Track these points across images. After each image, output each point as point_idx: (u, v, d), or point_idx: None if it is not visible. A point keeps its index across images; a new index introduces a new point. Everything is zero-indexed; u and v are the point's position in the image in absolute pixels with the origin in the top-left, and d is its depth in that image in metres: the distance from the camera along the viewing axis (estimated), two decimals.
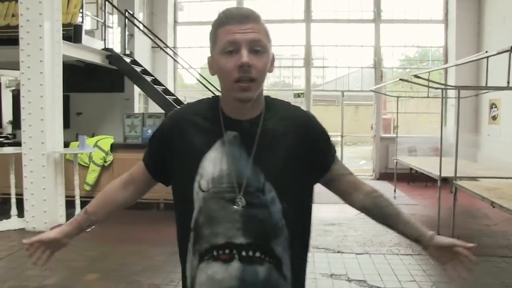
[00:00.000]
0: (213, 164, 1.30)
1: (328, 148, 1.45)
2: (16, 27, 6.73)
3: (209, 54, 1.33)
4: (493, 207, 4.43)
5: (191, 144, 1.34)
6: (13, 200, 6.17)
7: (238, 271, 1.27)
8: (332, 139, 1.49)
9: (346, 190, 1.48)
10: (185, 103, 9.17)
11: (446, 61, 10.66)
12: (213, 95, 9.14)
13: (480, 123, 10.08)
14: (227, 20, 1.26)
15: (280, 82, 13.72)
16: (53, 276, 4.33)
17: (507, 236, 5.81)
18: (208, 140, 1.33)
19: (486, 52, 4.26)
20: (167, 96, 8.27)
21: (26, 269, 4.49)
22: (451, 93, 9.32)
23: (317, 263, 4.73)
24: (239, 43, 1.23)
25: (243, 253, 1.27)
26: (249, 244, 1.27)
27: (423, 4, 10.91)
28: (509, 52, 4.83)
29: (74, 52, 7.12)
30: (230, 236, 1.27)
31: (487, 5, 9.87)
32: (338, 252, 5.15)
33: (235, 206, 1.27)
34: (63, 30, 6.29)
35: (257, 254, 1.28)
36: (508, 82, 5.04)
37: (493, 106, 9.43)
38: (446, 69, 10.55)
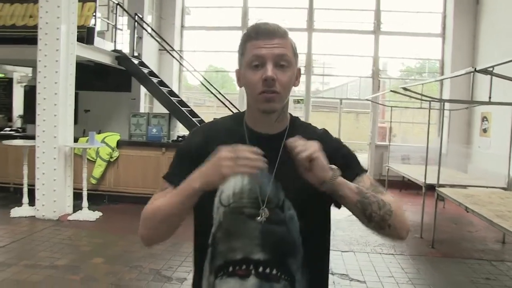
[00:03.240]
0: (234, 179, 1.26)
1: (352, 168, 1.37)
2: (33, 27, 7.19)
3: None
4: (467, 211, 4.82)
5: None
6: (25, 190, 6.59)
7: (254, 287, 1.26)
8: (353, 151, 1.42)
9: None
10: (188, 104, 9.61)
11: (442, 74, 11.06)
12: (215, 97, 9.61)
13: (472, 135, 10.47)
14: (255, 35, 1.28)
15: None
16: (63, 258, 4.76)
17: (485, 242, 6.19)
18: None
19: (474, 68, 4.64)
20: (171, 97, 8.67)
21: (39, 251, 4.93)
22: (447, 105, 9.74)
23: None
24: (265, 58, 1.26)
25: (260, 269, 1.26)
26: (267, 261, 1.26)
27: (422, 17, 11.32)
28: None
29: (87, 53, 7.53)
30: (248, 251, 1.27)
31: (483, 21, 10.27)
32: None
33: (258, 218, 1.26)
34: (77, 32, 6.71)
35: (274, 271, 1.27)
36: (490, 98, 5.45)
37: (485, 119, 9.82)
38: (442, 82, 10.95)
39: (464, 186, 6.69)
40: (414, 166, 8.87)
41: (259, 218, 1.26)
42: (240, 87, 1.37)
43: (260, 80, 1.26)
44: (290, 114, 1.44)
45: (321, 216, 1.38)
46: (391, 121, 9.52)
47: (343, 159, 1.35)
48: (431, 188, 6.22)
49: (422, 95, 6.35)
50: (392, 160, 9.76)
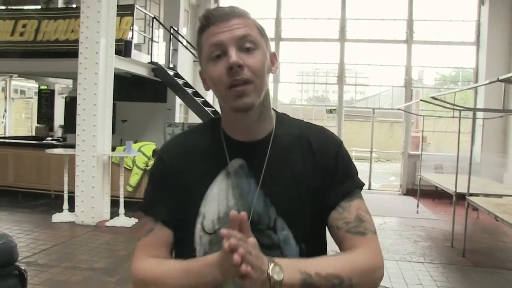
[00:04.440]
0: (217, 201, 1.10)
1: (341, 177, 1.15)
2: (74, 41, 7.58)
3: (200, 69, 1.15)
4: (497, 220, 4.80)
5: (189, 179, 1.13)
6: (65, 196, 6.92)
7: None
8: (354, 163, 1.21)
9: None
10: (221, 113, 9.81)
11: (476, 82, 10.92)
12: None
13: (508, 144, 10.28)
14: (207, 22, 1.08)
15: (316, 97, 14.20)
16: (100, 261, 5.00)
17: None
18: (209, 173, 1.13)
19: (497, 78, 4.64)
20: (206, 108, 8.91)
21: (78, 254, 5.20)
22: (479, 114, 9.63)
23: None
24: (224, 44, 1.04)
25: None
26: None
27: (455, 26, 11.25)
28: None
29: (124, 65, 7.87)
30: (239, 285, 0.92)
31: None
32: None
33: None
34: (115, 45, 7.03)
35: None
36: None
37: None
38: (476, 90, 10.82)
39: (498, 196, 6.60)
40: (447, 175, 8.77)
41: None
42: (208, 90, 1.16)
43: (225, 71, 1.04)
44: (275, 111, 1.21)
45: (320, 235, 1.17)
46: (423, 130, 9.46)
47: (333, 174, 1.14)
48: (463, 197, 6.17)
49: (453, 104, 6.33)
50: (425, 169, 9.68)
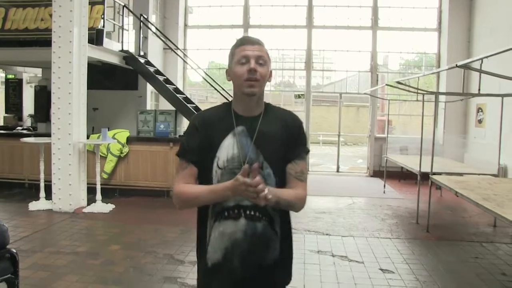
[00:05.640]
0: (227, 149, 1.80)
1: (299, 144, 1.89)
2: (44, 30, 7.56)
3: (226, 67, 1.92)
4: (457, 196, 5.17)
5: (211, 135, 1.83)
6: (42, 184, 6.97)
7: (243, 226, 1.77)
8: (307, 141, 2.01)
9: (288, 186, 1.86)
10: (192, 100, 9.95)
11: (438, 67, 11.38)
12: (218, 92, 9.94)
13: (468, 126, 10.81)
14: (243, 43, 1.83)
15: (283, 83, 14.42)
16: (82, 246, 5.14)
17: (477, 226, 6.55)
18: (223, 132, 1.82)
19: (455, 64, 4.97)
20: (177, 95, 9.02)
21: (59, 240, 5.33)
22: (442, 97, 10.08)
23: (307, 243, 5.49)
24: (249, 57, 1.79)
25: (248, 212, 1.78)
26: (252, 206, 1.76)
27: (418, 13, 11.67)
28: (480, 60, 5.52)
29: (96, 53, 7.88)
30: (238, 200, 1.75)
31: (477, 15, 10.61)
32: (326, 234, 5.91)
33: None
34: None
35: (257, 213, 1.78)
36: (479, 90, 5.77)
37: (480, 110, 10.15)
38: (438, 75, 11.30)
39: (459, 174, 7.02)
40: (412, 157, 9.16)
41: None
42: (229, 80, 1.88)
43: (246, 71, 1.78)
44: (265, 102, 1.93)
45: (285, 173, 1.88)
46: (388, 114, 9.86)
47: (295, 141, 1.88)
48: (427, 177, 6.51)
49: (416, 88, 6.68)
50: (391, 152, 10.12)
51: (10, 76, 11.39)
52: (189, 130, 1.91)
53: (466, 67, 4.69)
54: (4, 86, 11.88)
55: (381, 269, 4.63)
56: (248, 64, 1.78)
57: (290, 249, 1.98)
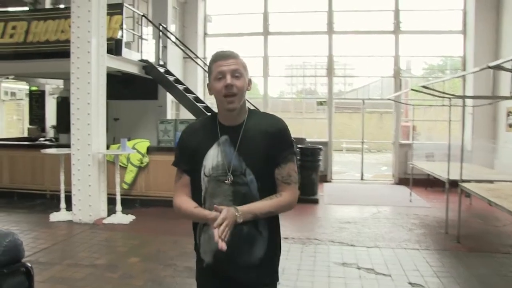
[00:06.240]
0: (212, 158, 1.93)
1: (283, 148, 1.95)
2: (64, 41, 7.57)
3: (207, 82, 1.99)
4: (490, 205, 4.91)
5: (199, 145, 1.96)
6: (62, 195, 6.94)
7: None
8: (292, 144, 2.00)
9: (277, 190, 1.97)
10: (212, 109, 9.86)
11: (464, 70, 11.04)
12: None
13: (498, 131, 10.43)
14: (217, 58, 1.91)
15: (305, 90, 14.25)
16: (101, 258, 5.05)
17: None
18: (209, 142, 1.95)
19: (487, 65, 4.72)
20: (197, 104, 8.95)
21: (78, 252, 5.24)
22: (469, 102, 9.75)
23: (331, 254, 5.29)
24: (224, 72, 1.87)
25: None
26: None
27: (442, 15, 11.37)
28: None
29: (115, 63, 7.88)
30: (224, 205, 1.80)
31: (505, 16, 10.25)
32: (351, 245, 5.70)
33: (225, 181, 1.89)
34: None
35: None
36: (511, 92, 5.52)
37: (510, 114, 9.79)
38: (464, 78, 10.96)
39: (490, 181, 6.72)
40: (439, 163, 8.88)
41: (226, 181, 1.90)
42: (210, 95, 1.97)
43: (223, 87, 1.87)
44: (249, 109, 2.03)
45: (271, 178, 1.95)
46: (413, 120, 9.59)
47: (278, 145, 1.94)
48: (455, 184, 6.25)
49: (443, 92, 6.43)
50: (416, 158, 9.83)
51: (33, 88, 11.56)
52: (180, 141, 2.06)
53: (499, 67, 4.44)
54: (28, 98, 12.05)
55: (410, 283, 4.40)
56: (224, 80, 1.87)
57: (277, 249, 2.05)
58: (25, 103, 12.94)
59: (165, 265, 4.83)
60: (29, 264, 3.24)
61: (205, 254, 1.96)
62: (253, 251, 1.93)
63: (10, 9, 9.80)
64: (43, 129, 11.32)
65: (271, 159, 1.93)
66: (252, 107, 10.09)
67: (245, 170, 1.90)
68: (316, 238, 6.00)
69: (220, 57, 1.92)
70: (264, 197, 1.91)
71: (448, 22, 11.34)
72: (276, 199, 1.91)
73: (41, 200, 8.15)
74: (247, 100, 2.04)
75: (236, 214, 1.77)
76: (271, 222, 1.98)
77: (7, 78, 11.91)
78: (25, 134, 11.92)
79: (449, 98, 6.23)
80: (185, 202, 1.95)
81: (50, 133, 11.28)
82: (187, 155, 1.99)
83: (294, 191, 1.97)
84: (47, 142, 9.58)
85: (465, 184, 5.96)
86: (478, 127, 10.35)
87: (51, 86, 11.54)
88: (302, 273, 4.65)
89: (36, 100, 11.48)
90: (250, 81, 1.98)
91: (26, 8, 9.76)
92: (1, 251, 3.13)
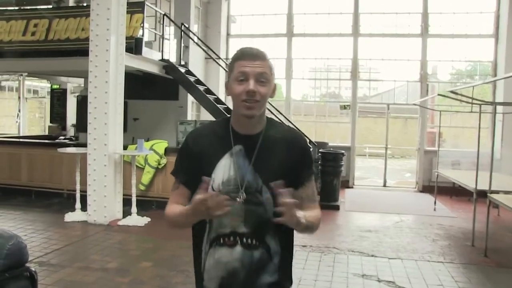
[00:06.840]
0: (223, 170, 1.64)
1: (305, 166, 1.74)
2: (85, 39, 7.52)
3: (227, 80, 1.72)
4: None
5: (206, 155, 1.67)
6: (78, 195, 6.87)
7: (239, 254, 1.63)
8: (312, 162, 1.82)
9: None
10: None
11: (495, 76, 10.64)
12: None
13: None
14: (241, 56, 1.63)
15: (328, 94, 13.98)
16: (113, 261, 4.93)
17: None
18: (220, 152, 1.66)
19: None
20: (218, 105, 8.81)
21: (90, 254, 5.14)
22: (499, 108, 9.36)
23: (350, 265, 5.06)
24: (248, 75, 1.59)
25: (244, 240, 1.63)
26: (249, 234, 1.63)
27: (472, 18, 10.97)
28: None
29: (135, 63, 7.79)
30: (234, 226, 1.62)
31: None
32: (372, 256, 5.46)
33: (237, 199, 1.59)
34: (125, 43, 6.94)
35: (254, 241, 1.64)
36: None
37: None
38: (495, 84, 10.56)
39: None
40: (465, 172, 8.54)
41: (238, 199, 1.59)
42: (228, 95, 1.77)
43: (244, 92, 1.59)
44: (267, 117, 1.77)
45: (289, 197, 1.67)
46: (439, 126, 9.24)
47: (301, 164, 1.73)
48: (483, 194, 5.96)
49: (472, 98, 6.13)
50: (442, 166, 9.47)
51: (55, 86, 11.62)
52: (182, 149, 1.78)
53: None
54: (49, 96, 12.12)
55: None
56: (246, 84, 1.60)
57: (288, 275, 1.79)
58: (47, 101, 13.02)
59: (177, 271, 4.68)
60: (33, 269, 3.10)
61: (211, 281, 1.70)
62: (264, 276, 1.69)
63: (36, 7, 9.85)
64: (63, 128, 11.37)
65: (292, 177, 1.68)
66: (273, 110, 9.97)
67: (261, 188, 1.63)
68: (335, 247, 5.77)
69: (246, 55, 1.63)
70: (279, 217, 1.58)
71: (478, 25, 10.95)
72: (316, 214, 1.71)
73: (58, 199, 8.11)
74: (268, 103, 1.77)
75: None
76: (284, 251, 1.73)
77: (21, 75, 12.01)
78: (46, 132, 11.98)
79: (479, 104, 5.92)
80: (173, 208, 1.70)
81: (71, 131, 11.32)
82: (190, 165, 1.70)
83: (319, 209, 1.78)
84: (66, 141, 9.58)
85: (494, 195, 5.65)
86: (508, 135, 9.92)
87: (73, 85, 11.58)
88: (319, 284, 4.43)
89: (58, 98, 11.54)
90: (275, 86, 1.72)
91: (50, 6, 9.78)
92: (4, 254, 3.01)
